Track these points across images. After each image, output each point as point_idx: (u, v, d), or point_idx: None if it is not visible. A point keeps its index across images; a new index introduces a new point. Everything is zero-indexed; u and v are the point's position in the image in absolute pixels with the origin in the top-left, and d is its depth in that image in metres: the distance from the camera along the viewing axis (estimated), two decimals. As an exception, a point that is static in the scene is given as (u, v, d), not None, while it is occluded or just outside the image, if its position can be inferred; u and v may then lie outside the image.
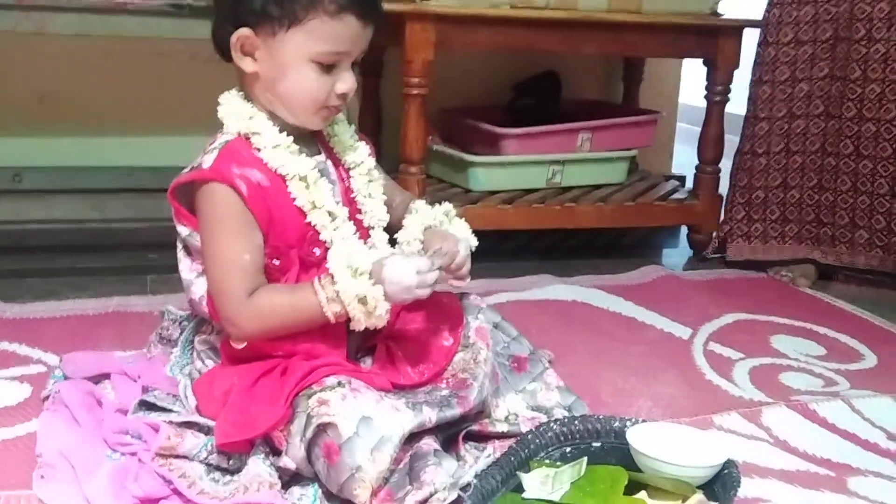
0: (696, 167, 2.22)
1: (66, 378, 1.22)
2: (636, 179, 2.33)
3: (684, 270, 2.04)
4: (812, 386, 1.44)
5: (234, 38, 1.07)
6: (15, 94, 2.11)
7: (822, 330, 1.69)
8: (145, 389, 1.16)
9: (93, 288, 1.70)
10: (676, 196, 2.21)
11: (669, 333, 1.64)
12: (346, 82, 1.09)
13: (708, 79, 2.15)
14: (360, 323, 1.05)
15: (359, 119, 2.31)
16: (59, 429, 1.07)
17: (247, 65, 1.09)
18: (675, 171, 2.67)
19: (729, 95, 2.15)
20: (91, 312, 1.58)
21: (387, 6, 1.87)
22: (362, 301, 1.03)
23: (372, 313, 1.04)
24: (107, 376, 1.23)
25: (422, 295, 1.06)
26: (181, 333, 1.26)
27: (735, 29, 2.10)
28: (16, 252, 1.88)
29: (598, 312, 1.73)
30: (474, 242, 1.20)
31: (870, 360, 1.57)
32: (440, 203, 1.24)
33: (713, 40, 2.09)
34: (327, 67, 1.07)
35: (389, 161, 2.00)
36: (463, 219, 1.23)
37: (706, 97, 2.16)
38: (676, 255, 2.23)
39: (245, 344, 1.08)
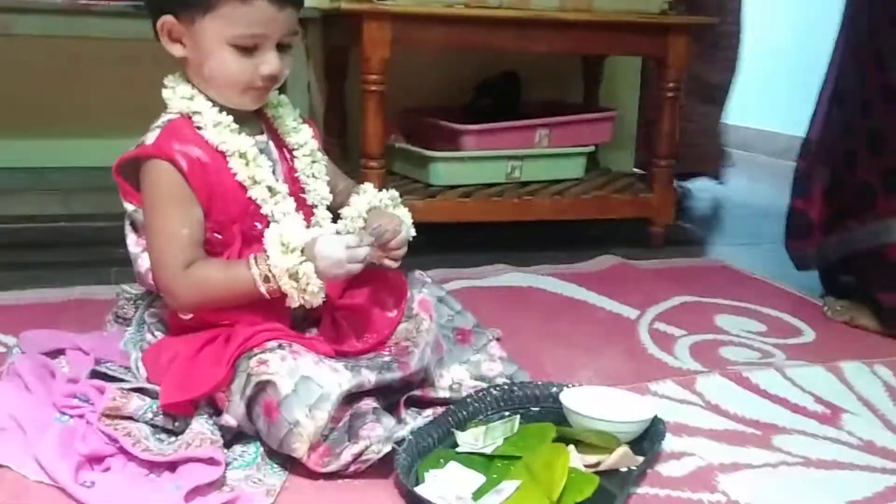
0: (651, 161, 2.28)
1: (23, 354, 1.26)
2: (595, 175, 2.39)
3: (639, 260, 2.09)
4: (749, 358, 1.49)
5: (158, 24, 1.13)
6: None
7: (765, 310, 1.75)
8: (98, 362, 1.20)
9: (58, 280, 1.74)
10: (632, 189, 2.27)
11: (618, 314, 1.70)
12: (270, 64, 1.13)
13: (658, 76, 2.22)
14: (293, 299, 1.09)
15: (324, 120, 2.37)
16: (11, 394, 1.12)
17: (176, 50, 1.14)
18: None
19: (679, 92, 2.21)
20: (54, 300, 1.62)
21: (344, 6, 1.96)
22: (293, 276, 1.07)
23: (305, 290, 1.08)
24: (62, 352, 1.27)
25: (353, 269, 1.11)
26: (136, 311, 1.31)
27: (685, 27, 2.16)
28: (-18, 248, 1.92)
29: (550, 297, 1.79)
30: (413, 233, 1.25)
31: (808, 335, 1.62)
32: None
33: (663, 39, 2.15)
34: (247, 50, 1.12)
35: (355, 160, 2.06)
36: (407, 209, 1.27)
37: (658, 94, 2.22)
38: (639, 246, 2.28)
39: (191, 315, 1.13)
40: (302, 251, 1.08)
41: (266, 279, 1.08)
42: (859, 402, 1.32)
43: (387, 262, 1.19)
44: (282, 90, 1.31)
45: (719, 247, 2.34)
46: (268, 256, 1.08)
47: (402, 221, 1.23)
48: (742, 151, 3.64)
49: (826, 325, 1.67)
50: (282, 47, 1.15)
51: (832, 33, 1.80)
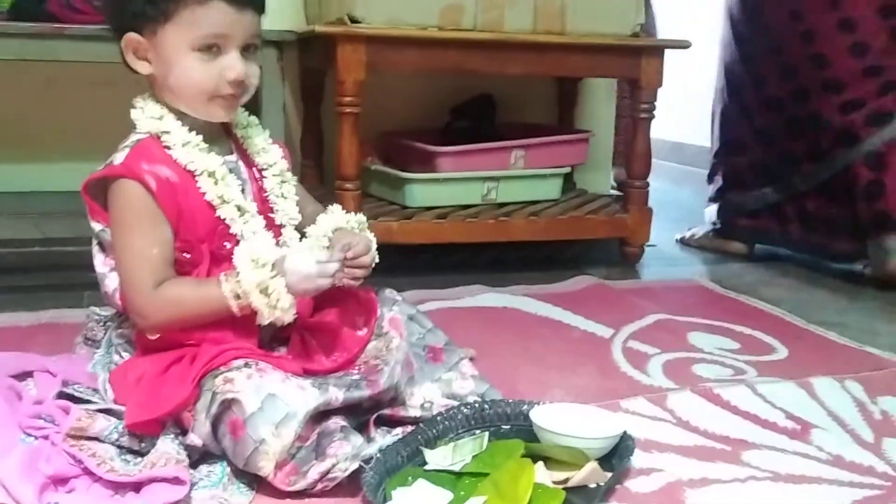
0: (626, 182, 2.30)
1: (-11, 377, 1.25)
2: (571, 196, 2.41)
3: (615, 280, 2.10)
4: (721, 375, 1.50)
5: (123, 43, 1.14)
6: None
7: (739, 328, 1.76)
8: (65, 384, 1.19)
9: (30, 304, 1.73)
10: (607, 210, 2.29)
11: (592, 333, 1.70)
12: (234, 68, 1.13)
13: (633, 98, 2.24)
14: (263, 316, 1.09)
15: (301, 143, 2.38)
16: (-24, 416, 1.10)
17: (142, 68, 1.15)
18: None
19: (654, 113, 2.24)
20: (25, 324, 1.61)
21: (319, 29, 1.98)
22: (264, 291, 1.07)
23: (275, 306, 1.08)
24: (30, 374, 1.26)
25: (323, 285, 1.11)
26: (105, 333, 1.30)
27: (657, 49, 2.19)
28: (-46, 273, 1.90)
29: (525, 317, 1.79)
30: (376, 259, 1.24)
31: (781, 353, 1.63)
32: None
33: (636, 60, 2.18)
34: (210, 53, 1.12)
35: (331, 182, 2.07)
36: (373, 234, 1.26)
37: (631, 115, 2.25)
38: (615, 266, 2.29)
39: (158, 335, 1.13)
40: (272, 266, 1.08)
41: (237, 296, 1.08)
42: (829, 417, 1.33)
43: (346, 280, 1.17)
44: (257, 112, 1.31)
45: (693, 266, 2.36)
46: (238, 273, 1.08)
47: (369, 241, 1.23)
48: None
49: (798, 342, 1.68)
50: (246, 53, 1.14)
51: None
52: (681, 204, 3.13)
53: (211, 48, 1.12)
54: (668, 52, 2.19)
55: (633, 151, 2.26)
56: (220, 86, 1.13)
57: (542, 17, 2.09)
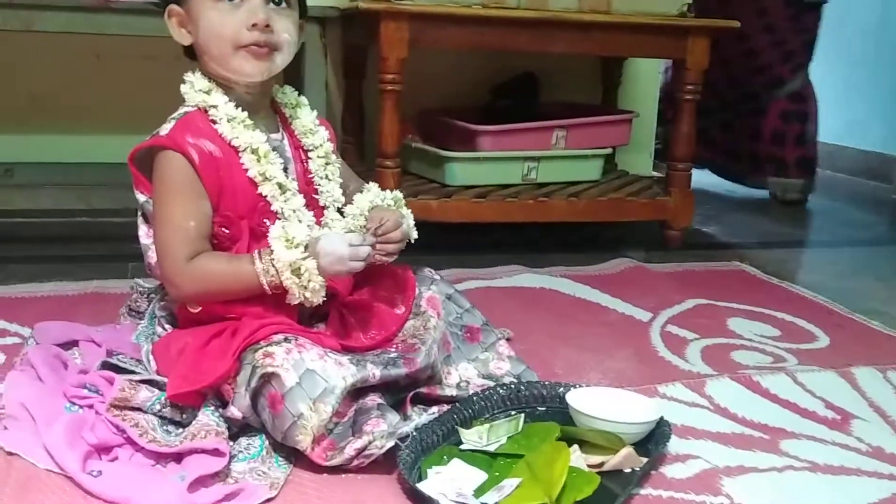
0: (668, 164, 2.27)
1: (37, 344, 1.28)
2: (613, 177, 2.39)
3: (654, 263, 2.09)
4: (761, 362, 1.48)
5: (166, 16, 1.16)
6: (7, 92, 2.20)
7: (780, 315, 1.74)
8: (110, 353, 1.22)
9: (75, 273, 1.76)
10: (649, 192, 2.27)
11: (630, 316, 1.69)
12: (254, 12, 1.12)
13: (679, 78, 2.21)
14: (294, 296, 1.10)
15: (341, 118, 2.39)
16: (23, 384, 1.13)
17: (185, 38, 1.17)
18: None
19: (699, 95, 2.20)
20: (71, 293, 1.64)
21: (362, 5, 1.98)
22: (296, 272, 1.08)
23: (306, 286, 1.09)
24: (76, 343, 1.29)
25: (356, 267, 1.11)
26: (149, 305, 1.32)
27: (705, 29, 2.15)
28: (4, 241, 1.95)
29: (563, 298, 1.78)
30: (414, 235, 1.24)
31: (822, 341, 1.61)
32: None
33: (683, 41, 2.14)
34: (231, 3, 1.12)
35: (371, 159, 2.07)
36: (410, 211, 1.26)
37: (677, 96, 2.22)
38: (656, 249, 2.27)
39: (200, 308, 1.14)
40: (305, 247, 1.09)
41: (269, 273, 1.09)
42: (870, 408, 1.31)
43: (378, 256, 1.17)
44: (299, 88, 1.32)
45: (737, 250, 2.33)
46: (272, 251, 1.09)
47: (403, 217, 1.23)
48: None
49: (840, 331, 1.66)
50: (276, 6, 1.15)
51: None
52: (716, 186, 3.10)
53: None
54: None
55: (676, 133, 2.23)
56: (241, 33, 1.13)
57: (587, -5, 2.06)
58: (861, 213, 2.99)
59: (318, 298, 1.11)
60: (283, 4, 1.16)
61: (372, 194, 1.25)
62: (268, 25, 1.13)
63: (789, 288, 1.93)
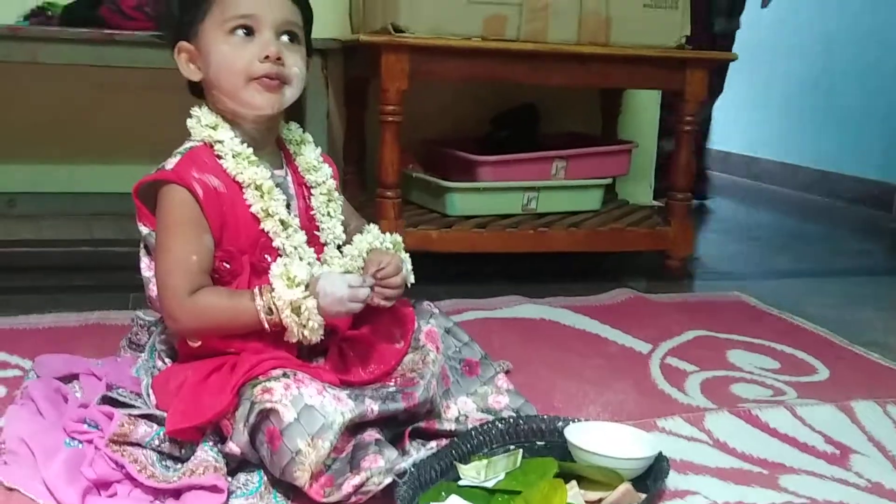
0: (668, 194, 2.28)
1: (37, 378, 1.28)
2: (612, 207, 2.40)
3: (655, 293, 2.09)
4: (761, 396, 1.48)
5: (175, 51, 1.17)
6: (11, 123, 2.22)
7: (780, 347, 1.74)
8: (109, 387, 1.22)
9: (76, 305, 1.77)
10: (649, 222, 2.28)
11: (630, 348, 1.69)
12: (267, 47, 1.14)
13: (677, 110, 2.23)
14: (293, 334, 1.10)
15: (343, 148, 2.41)
16: (23, 418, 1.13)
17: (194, 74, 1.18)
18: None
19: (697, 126, 2.22)
20: (72, 325, 1.65)
21: (363, 38, 2.00)
22: (296, 310, 1.09)
23: (305, 325, 1.10)
24: (76, 377, 1.29)
25: (354, 309, 1.12)
26: (149, 338, 1.33)
27: (702, 61, 2.17)
28: (5, 271, 1.96)
29: (562, 329, 1.79)
30: (411, 279, 1.25)
31: (822, 374, 1.61)
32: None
33: (681, 73, 2.16)
34: (244, 38, 1.14)
35: (373, 189, 2.09)
36: (408, 255, 1.26)
37: (675, 127, 2.23)
38: (656, 279, 2.28)
39: (199, 343, 1.15)
40: (306, 286, 1.10)
41: (269, 311, 1.09)
42: (870, 442, 1.31)
43: (377, 300, 1.17)
44: (301, 119, 1.33)
45: (737, 281, 2.33)
46: (272, 288, 1.09)
47: (403, 262, 1.24)
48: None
49: (840, 363, 1.66)
50: (286, 41, 1.17)
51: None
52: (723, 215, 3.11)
53: (244, 30, 1.14)
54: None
55: (675, 163, 2.25)
56: (254, 65, 1.14)
57: (586, 28, 2.09)
58: (860, 241, 3.00)
59: (316, 337, 1.11)
60: (293, 40, 1.18)
61: (371, 236, 1.26)
62: (279, 58, 1.15)
63: (789, 319, 1.93)
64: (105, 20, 1.98)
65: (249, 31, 1.15)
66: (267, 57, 1.14)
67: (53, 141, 2.27)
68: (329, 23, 2.29)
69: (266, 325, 1.10)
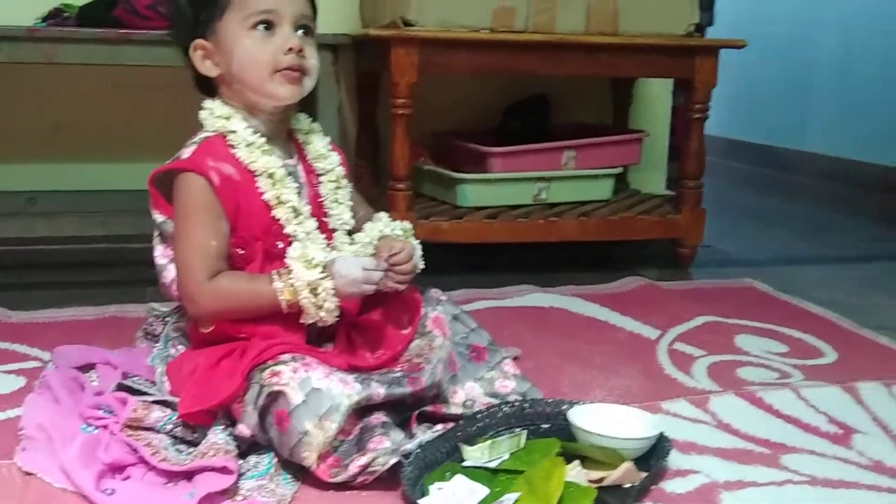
0: (679, 182, 2.29)
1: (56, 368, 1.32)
2: (623, 196, 2.41)
3: (666, 281, 2.10)
4: (767, 378, 1.49)
5: (191, 49, 1.20)
6: (30, 122, 2.27)
7: (788, 331, 1.75)
8: (125, 376, 1.25)
9: (94, 298, 1.81)
10: (660, 210, 2.28)
11: (638, 335, 1.71)
12: (290, 39, 1.18)
13: (687, 97, 2.23)
14: (309, 315, 1.14)
15: (356, 143, 2.43)
16: (41, 406, 1.17)
17: (212, 70, 1.21)
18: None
19: (708, 113, 2.22)
20: (89, 318, 1.69)
21: (373, 32, 2.02)
22: (313, 291, 1.12)
23: (321, 306, 1.13)
24: (93, 366, 1.33)
25: (368, 290, 1.16)
26: (164, 328, 1.36)
27: (712, 49, 2.18)
28: (25, 268, 2.00)
29: (572, 317, 1.80)
30: (421, 265, 1.27)
31: (830, 356, 1.62)
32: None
33: (690, 61, 2.17)
34: (265, 32, 1.18)
35: (386, 182, 2.11)
36: (419, 242, 1.29)
37: (686, 115, 2.24)
38: (668, 268, 2.29)
39: (211, 328, 1.18)
40: (323, 268, 1.13)
41: (287, 293, 1.13)
42: (874, 422, 1.32)
43: (390, 284, 1.21)
44: (313, 113, 1.36)
45: (748, 268, 2.33)
46: (290, 270, 1.12)
47: (414, 248, 1.26)
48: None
49: (848, 346, 1.66)
50: (302, 34, 1.20)
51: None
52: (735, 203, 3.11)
53: (265, 25, 1.18)
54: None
55: (686, 151, 2.26)
56: (278, 57, 1.18)
57: (594, 17, 2.10)
58: (878, 229, 2.99)
59: (331, 318, 1.15)
60: (307, 34, 1.22)
61: (382, 223, 1.29)
62: (301, 50, 1.19)
63: (799, 304, 1.94)
64: (120, 20, 2.02)
65: (269, 26, 1.19)
66: (290, 49, 1.19)
67: (72, 140, 2.32)
68: (340, 18, 2.32)
69: (284, 308, 1.13)
